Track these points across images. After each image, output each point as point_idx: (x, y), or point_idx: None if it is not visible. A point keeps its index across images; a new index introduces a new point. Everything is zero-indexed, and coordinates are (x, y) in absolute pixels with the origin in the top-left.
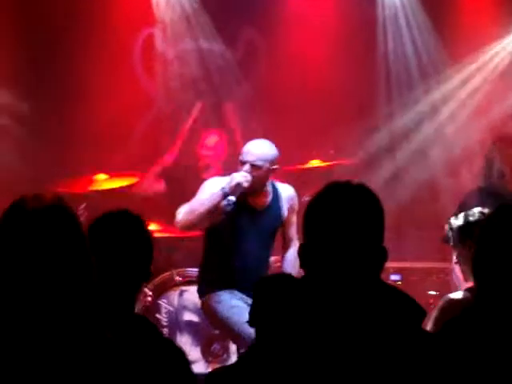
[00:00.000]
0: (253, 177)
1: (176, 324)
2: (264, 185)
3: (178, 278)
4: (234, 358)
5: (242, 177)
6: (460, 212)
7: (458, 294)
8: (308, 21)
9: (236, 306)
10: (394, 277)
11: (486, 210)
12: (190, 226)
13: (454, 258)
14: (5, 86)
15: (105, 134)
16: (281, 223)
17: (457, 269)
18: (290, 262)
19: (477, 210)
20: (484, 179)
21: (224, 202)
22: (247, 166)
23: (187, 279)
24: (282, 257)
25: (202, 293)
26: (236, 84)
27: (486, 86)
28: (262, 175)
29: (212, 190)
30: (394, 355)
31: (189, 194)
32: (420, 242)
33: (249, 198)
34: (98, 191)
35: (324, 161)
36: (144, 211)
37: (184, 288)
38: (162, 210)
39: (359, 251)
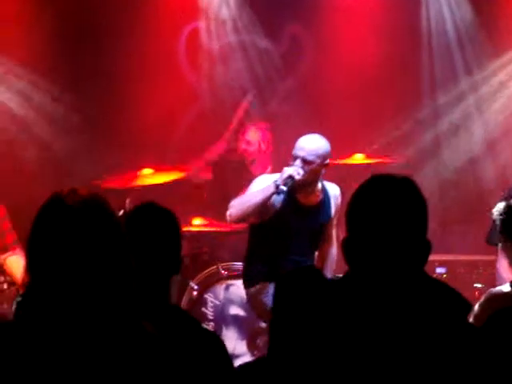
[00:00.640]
0: (304, 171)
1: (222, 318)
2: (316, 181)
3: (223, 272)
4: None
5: (294, 170)
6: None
7: (505, 287)
8: (352, 15)
9: None
10: (439, 270)
11: None
12: (242, 217)
13: (500, 249)
14: (49, 81)
15: (150, 129)
16: (328, 219)
17: (502, 260)
18: (330, 261)
19: None
20: None
21: (277, 197)
22: (298, 161)
23: (233, 273)
24: (320, 255)
25: (247, 284)
26: (280, 79)
27: None
28: (313, 170)
29: (263, 185)
30: (439, 348)
31: (236, 188)
32: (465, 235)
33: (300, 197)
34: (143, 186)
35: (368, 155)
36: (190, 206)
37: (230, 282)
38: (208, 205)
39: (403, 244)
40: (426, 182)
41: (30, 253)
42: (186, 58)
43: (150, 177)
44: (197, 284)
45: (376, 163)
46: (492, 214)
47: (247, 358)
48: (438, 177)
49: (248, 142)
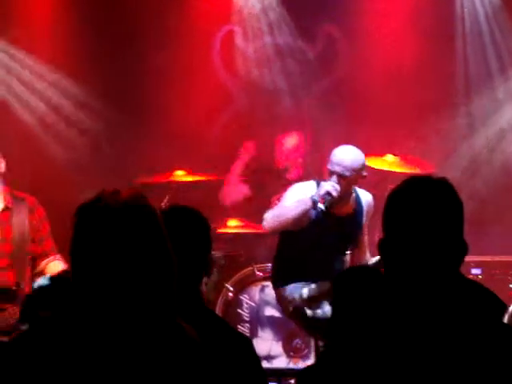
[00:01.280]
0: (341, 186)
1: (257, 319)
2: (351, 193)
3: (259, 274)
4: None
5: (331, 186)
6: None
7: None
8: (387, 15)
9: None
10: (474, 271)
11: None
12: (277, 230)
13: None
14: (85, 84)
15: (184, 130)
16: (360, 230)
17: None
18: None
19: None
20: None
21: (313, 211)
22: (335, 177)
23: (268, 275)
24: (352, 261)
25: (276, 283)
26: (315, 80)
27: None
28: (350, 183)
29: (298, 196)
30: (475, 349)
31: (270, 193)
32: (501, 236)
33: (334, 208)
34: (179, 184)
35: (401, 157)
36: (227, 208)
37: (265, 283)
38: (243, 207)
39: (440, 245)
40: (461, 182)
41: (73, 255)
42: (221, 61)
43: (183, 178)
44: (232, 285)
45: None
46: None
47: (283, 359)
48: (473, 178)
49: (287, 149)
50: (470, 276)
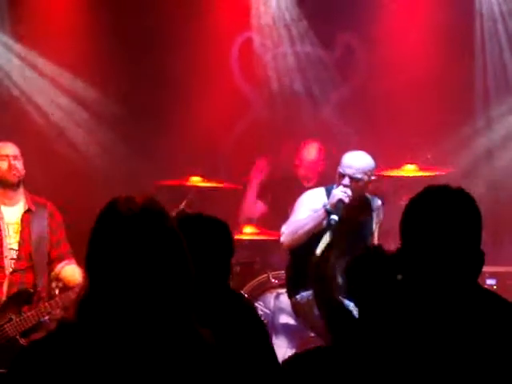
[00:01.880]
0: (352, 190)
1: (272, 326)
2: (363, 198)
3: (274, 281)
4: None
5: (342, 193)
6: None
7: None
8: (407, 23)
9: None
10: (489, 281)
11: None
12: (294, 245)
13: None
14: (102, 89)
15: (201, 137)
16: (371, 235)
17: None
18: None
19: None
20: None
21: (327, 221)
22: (346, 180)
23: (283, 282)
24: None
25: (292, 293)
26: (333, 87)
27: None
28: (361, 187)
29: (311, 204)
30: (492, 358)
31: (289, 202)
32: None
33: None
34: (195, 189)
35: (421, 166)
36: (243, 215)
37: (280, 290)
38: (260, 214)
39: (458, 255)
40: (478, 192)
41: (89, 261)
42: (240, 68)
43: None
44: (247, 292)
45: (427, 176)
46: None
47: None
48: (489, 187)
49: (304, 158)
50: (485, 286)
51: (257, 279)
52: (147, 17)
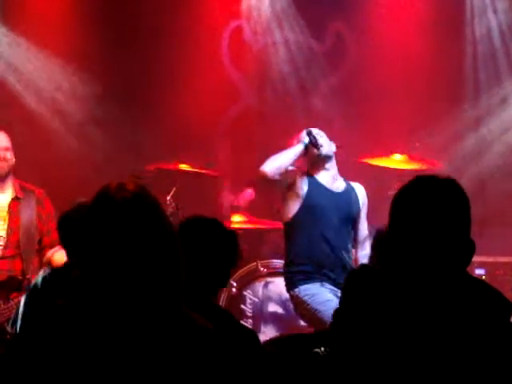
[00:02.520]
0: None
1: (260, 315)
2: (333, 165)
3: (262, 270)
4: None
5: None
6: None
7: None
8: (396, 13)
9: (330, 299)
10: (478, 271)
11: None
12: (273, 171)
13: None
14: (92, 74)
15: (191, 125)
16: (357, 212)
17: None
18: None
19: None
20: None
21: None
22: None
23: (272, 270)
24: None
25: (291, 287)
26: (323, 76)
27: None
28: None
29: None
30: (480, 346)
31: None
32: (504, 237)
33: (326, 183)
34: (185, 175)
35: (409, 156)
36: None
37: (269, 279)
38: (249, 201)
39: (447, 244)
40: (467, 183)
41: (81, 247)
42: (230, 56)
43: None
44: (236, 281)
45: (414, 169)
46: None
47: None
48: (478, 178)
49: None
50: (474, 276)
51: (245, 268)
52: (137, 3)
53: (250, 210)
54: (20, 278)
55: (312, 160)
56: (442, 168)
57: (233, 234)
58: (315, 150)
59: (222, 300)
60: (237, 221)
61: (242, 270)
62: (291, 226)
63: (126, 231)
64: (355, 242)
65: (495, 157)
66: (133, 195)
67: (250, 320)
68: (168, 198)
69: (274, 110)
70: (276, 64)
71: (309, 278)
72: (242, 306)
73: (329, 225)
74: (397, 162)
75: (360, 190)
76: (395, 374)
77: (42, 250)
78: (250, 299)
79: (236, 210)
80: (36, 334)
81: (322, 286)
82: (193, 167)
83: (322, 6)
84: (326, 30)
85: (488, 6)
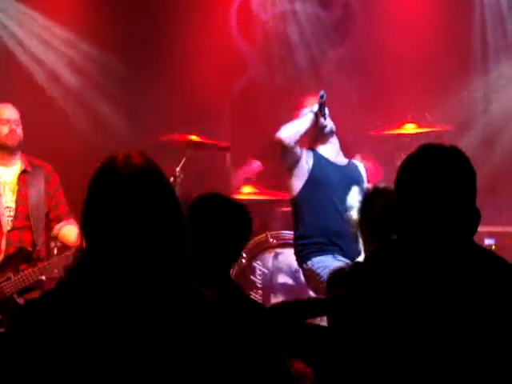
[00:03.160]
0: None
1: (270, 286)
2: (333, 135)
3: (272, 241)
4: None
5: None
6: None
7: None
8: None
9: None
10: (488, 241)
11: None
12: (289, 136)
13: None
14: (103, 47)
15: (199, 97)
16: (362, 184)
17: None
18: None
19: None
20: None
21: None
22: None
23: (282, 242)
24: None
25: (303, 260)
26: (332, 47)
27: None
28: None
29: None
30: (489, 316)
31: None
32: None
33: (330, 157)
34: (194, 146)
35: (419, 125)
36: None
37: (279, 250)
38: (258, 173)
39: (452, 212)
40: (476, 152)
41: (85, 219)
42: (238, 27)
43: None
44: (246, 252)
45: (426, 132)
46: None
47: None
48: (487, 147)
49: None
50: (484, 246)
51: (255, 239)
52: None
53: (259, 181)
54: (30, 249)
55: (315, 134)
56: (452, 131)
57: (245, 209)
58: (321, 119)
59: (232, 271)
60: (246, 192)
61: (252, 241)
62: (299, 200)
63: (133, 205)
64: None
65: (507, 124)
66: (139, 167)
67: (260, 291)
68: (177, 169)
69: (282, 81)
70: (284, 35)
71: (321, 250)
72: (252, 277)
73: (337, 196)
74: (408, 130)
75: (361, 167)
76: (405, 345)
77: (49, 224)
78: (260, 270)
79: (246, 181)
80: (38, 309)
81: (335, 257)
82: (202, 139)
83: None
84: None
85: None
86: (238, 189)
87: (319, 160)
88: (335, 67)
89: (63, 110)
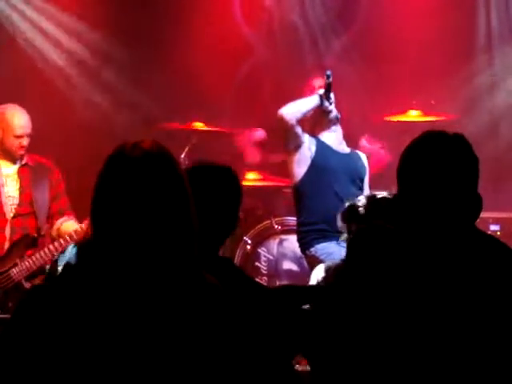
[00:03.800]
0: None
1: (275, 272)
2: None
3: (277, 227)
4: None
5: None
6: None
7: None
8: None
9: None
10: (493, 227)
11: None
12: (292, 113)
13: None
14: (103, 31)
15: (203, 82)
16: (365, 174)
17: None
18: None
19: None
20: None
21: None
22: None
23: (286, 228)
24: None
25: (306, 246)
26: (336, 31)
27: None
28: None
29: None
30: (491, 302)
31: None
32: None
33: (332, 144)
34: (199, 133)
35: (424, 111)
36: (245, 161)
37: (283, 237)
38: (262, 159)
39: (454, 199)
40: (480, 138)
41: (95, 204)
42: (242, 11)
43: (204, 130)
44: (250, 238)
45: (430, 121)
46: None
47: None
48: (492, 133)
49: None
50: (489, 232)
51: (260, 225)
52: None
53: (263, 168)
54: (35, 235)
55: (319, 117)
56: (457, 120)
57: (230, 172)
58: (326, 103)
59: (237, 257)
60: (251, 178)
61: (257, 227)
62: (301, 187)
63: (142, 189)
64: None
65: (509, 109)
66: (149, 153)
67: (265, 277)
68: (182, 156)
69: (286, 65)
70: (288, 19)
71: (324, 237)
72: (257, 264)
73: (340, 184)
74: (413, 117)
75: (363, 156)
76: (404, 330)
77: (51, 217)
78: (265, 256)
79: (250, 167)
80: (45, 294)
81: (338, 244)
82: (206, 125)
83: None
84: None
85: None
86: (242, 175)
87: (322, 147)
88: (340, 53)
89: (65, 98)
